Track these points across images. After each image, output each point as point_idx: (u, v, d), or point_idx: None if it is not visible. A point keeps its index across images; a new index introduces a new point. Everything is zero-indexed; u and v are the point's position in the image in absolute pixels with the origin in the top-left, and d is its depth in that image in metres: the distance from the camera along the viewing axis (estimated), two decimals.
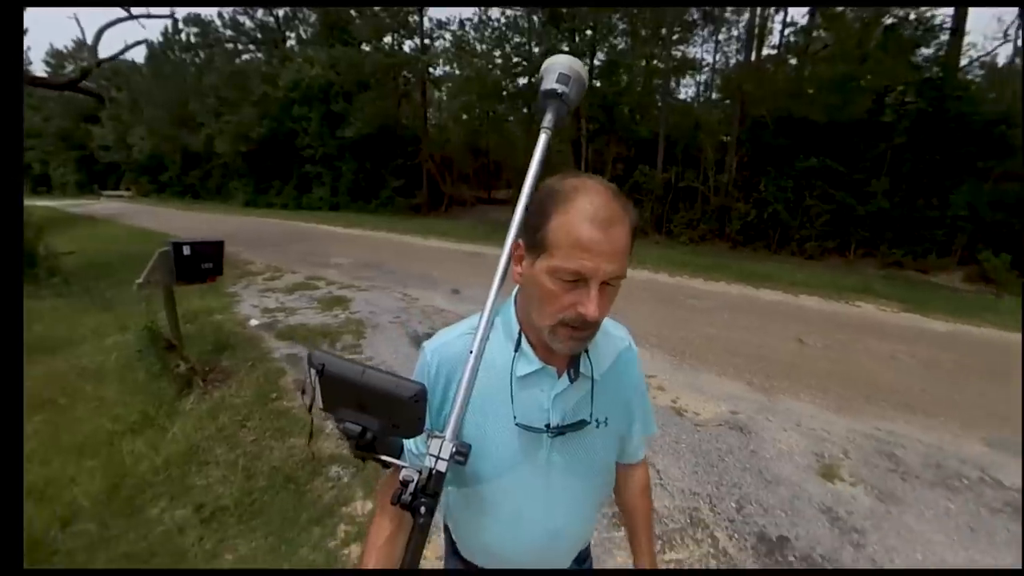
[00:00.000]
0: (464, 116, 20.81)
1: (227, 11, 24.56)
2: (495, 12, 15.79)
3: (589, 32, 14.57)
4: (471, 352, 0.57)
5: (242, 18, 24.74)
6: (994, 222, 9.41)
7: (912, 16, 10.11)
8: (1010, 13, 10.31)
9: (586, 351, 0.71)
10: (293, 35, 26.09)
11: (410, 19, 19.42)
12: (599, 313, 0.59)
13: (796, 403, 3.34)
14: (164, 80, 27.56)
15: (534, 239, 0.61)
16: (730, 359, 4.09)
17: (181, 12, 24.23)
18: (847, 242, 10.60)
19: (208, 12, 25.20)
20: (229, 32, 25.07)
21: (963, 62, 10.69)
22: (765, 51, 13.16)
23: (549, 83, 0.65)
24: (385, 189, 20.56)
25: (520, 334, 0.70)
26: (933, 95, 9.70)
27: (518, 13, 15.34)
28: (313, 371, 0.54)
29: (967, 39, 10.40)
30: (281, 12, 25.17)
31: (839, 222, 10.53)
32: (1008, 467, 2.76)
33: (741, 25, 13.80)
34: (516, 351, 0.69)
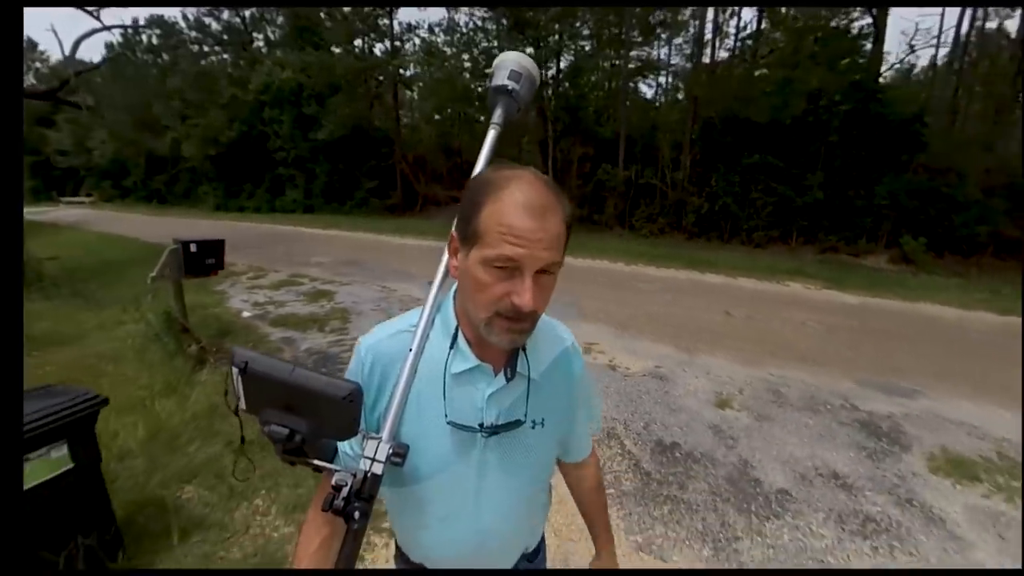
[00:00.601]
0: (436, 117, 21.26)
1: (191, 12, 24.20)
2: (462, 17, 16.37)
3: (555, 37, 15.33)
4: (411, 350, 0.56)
5: (208, 20, 24.38)
6: (913, 209, 10.60)
7: (840, 25, 11.23)
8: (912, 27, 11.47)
9: (523, 349, 0.71)
10: (261, 37, 25.94)
11: (380, 23, 19.76)
12: (534, 303, 0.58)
13: (711, 359, 4.10)
14: (125, 82, 26.86)
15: (466, 230, 0.60)
16: (665, 329, 4.84)
17: (145, 12, 23.80)
18: (789, 231, 11.67)
19: (172, 13, 24.79)
20: (195, 33, 24.68)
21: (885, 67, 11.92)
22: (723, 53, 14.21)
23: (500, 79, 0.66)
24: (359, 190, 20.77)
25: (457, 330, 0.68)
26: (859, 97, 10.83)
27: (486, 15, 15.94)
28: (235, 369, 0.51)
29: (883, 47, 11.57)
30: (248, 13, 24.96)
31: (781, 213, 11.59)
32: (867, 398, 3.56)
33: (694, 31, 14.79)
34: (452, 347, 0.68)
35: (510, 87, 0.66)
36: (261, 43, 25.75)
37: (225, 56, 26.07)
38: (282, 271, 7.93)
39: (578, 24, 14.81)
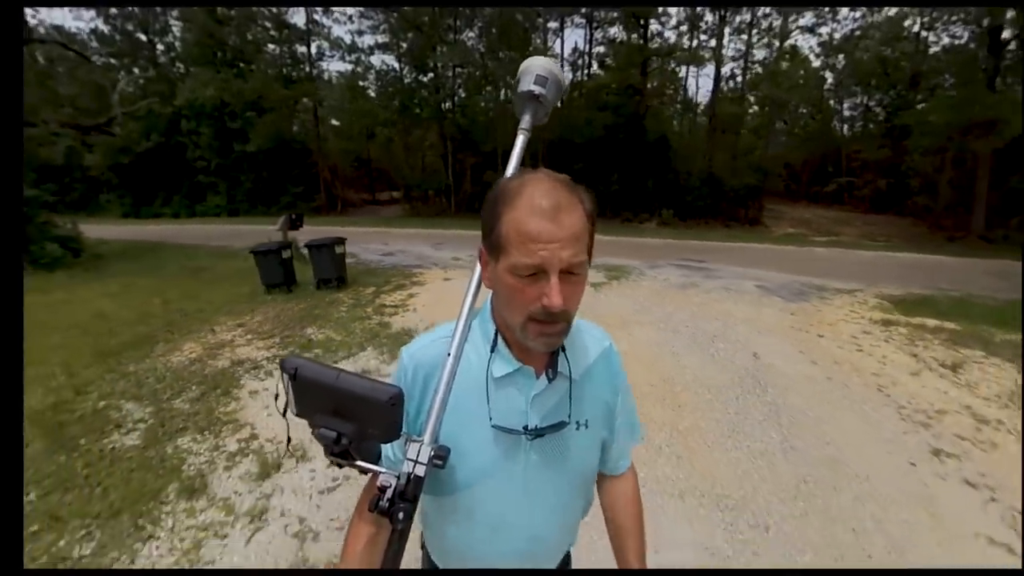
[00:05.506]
0: (336, 123, 24.90)
1: (90, 23, 24.61)
2: (377, 61, 21.01)
3: (451, 76, 20.66)
4: (449, 355, 0.58)
5: (111, 32, 25.02)
6: (667, 194, 18.07)
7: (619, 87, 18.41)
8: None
9: (563, 350, 0.72)
10: (162, 47, 26.60)
11: (297, 49, 23.11)
12: (564, 303, 0.59)
13: None
14: None
15: (491, 241, 0.62)
16: None
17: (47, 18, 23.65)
18: (604, 210, 18.56)
19: (75, 24, 24.91)
20: (95, 44, 25.00)
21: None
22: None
23: (526, 85, 0.67)
24: (286, 195, 23.49)
25: (496, 335, 0.70)
26: (630, 129, 18.07)
27: (391, 42, 20.49)
28: (286, 376, 0.54)
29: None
30: (149, 25, 25.76)
31: (598, 200, 18.42)
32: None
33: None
34: (492, 351, 0.70)
35: (537, 92, 0.67)
36: (162, 56, 26.58)
37: (112, 60, 25.88)
38: None
39: (469, 66, 20.35)
